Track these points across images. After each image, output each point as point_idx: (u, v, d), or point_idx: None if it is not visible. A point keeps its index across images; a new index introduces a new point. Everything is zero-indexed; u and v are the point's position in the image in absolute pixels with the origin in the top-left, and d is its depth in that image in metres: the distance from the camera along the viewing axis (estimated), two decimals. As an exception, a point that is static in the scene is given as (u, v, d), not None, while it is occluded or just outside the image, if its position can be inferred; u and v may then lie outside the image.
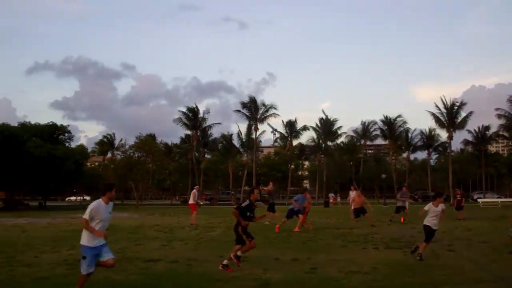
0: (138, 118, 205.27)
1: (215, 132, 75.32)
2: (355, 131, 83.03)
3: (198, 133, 70.80)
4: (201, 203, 25.05)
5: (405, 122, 74.28)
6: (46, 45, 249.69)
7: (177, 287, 8.32)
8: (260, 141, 74.04)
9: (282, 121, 74.73)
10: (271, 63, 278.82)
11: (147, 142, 61.94)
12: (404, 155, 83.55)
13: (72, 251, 13.27)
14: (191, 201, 25.21)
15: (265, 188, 28.58)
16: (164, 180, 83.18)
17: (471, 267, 10.24)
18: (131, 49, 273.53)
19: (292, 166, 79.68)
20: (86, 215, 7.52)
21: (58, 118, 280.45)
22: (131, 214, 35.98)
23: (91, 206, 7.59)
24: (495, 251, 12.55)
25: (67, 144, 58.78)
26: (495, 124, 73.48)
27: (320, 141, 75.40)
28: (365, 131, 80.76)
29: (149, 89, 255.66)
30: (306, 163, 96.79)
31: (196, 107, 71.82)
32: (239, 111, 69.40)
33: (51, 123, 57.54)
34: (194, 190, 26.10)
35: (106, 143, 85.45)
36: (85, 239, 7.62)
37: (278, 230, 18.61)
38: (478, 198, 63.98)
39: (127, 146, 62.39)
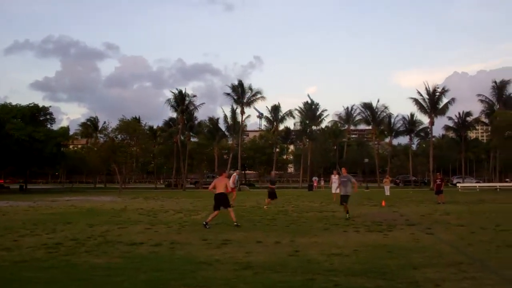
0: (122, 100, 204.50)
1: (201, 116, 75.26)
2: (339, 116, 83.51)
3: (185, 116, 70.38)
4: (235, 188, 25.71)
5: (387, 108, 74.96)
6: (26, 23, 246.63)
7: (160, 270, 8.38)
8: (246, 125, 73.84)
9: (266, 107, 74.64)
10: (258, 46, 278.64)
11: (131, 125, 61.50)
12: (387, 140, 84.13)
13: (52, 234, 13.30)
14: (231, 185, 25.76)
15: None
16: (148, 163, 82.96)
17: (448, 250, 10.42)
18: (115, 29, 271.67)
19: (277, 150, 79.95)
20: None
21: (38, 99, 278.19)
22: (114, 198, 35.98)
23: None
24: (472, 235, 12.79)
25: (48, 126, 58.26)
26: (475, 110, 74.45)
27: (305, 125, 75.68)
28: (348, 116, 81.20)
29: (133, 70, 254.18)
30: (291, 147, 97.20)
31: (184, 90, 71.32)
32: (228, 94, 69.16)
33: (32, 104, 56.90)
34: (234, 174, 26.73)
35: (90, 126, 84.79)
36: None
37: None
38: (457, 182, 64.91)
39: (110, 129, 61.63)
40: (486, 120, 73.55)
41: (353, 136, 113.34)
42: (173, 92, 70.87)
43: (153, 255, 9.96)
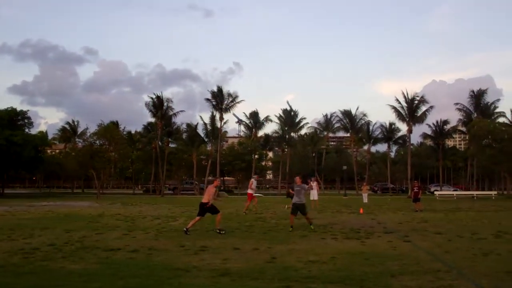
0: (101, 105, 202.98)
1: (180, 121, 75.08)
2: (318, 123, 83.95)
3: (163, 122, 70.07)
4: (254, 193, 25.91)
5: (365, 115, 75.71)
6: (3, 26, 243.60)
7: (137, 276, 8.32)
8: (226, 131, 73.94)
9: (244, 113, 75.03)
10: (237, 53, 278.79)
11: (109, 130, 60.98)
12: (365, 147, 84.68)
13: (29, 239, 13.14)
14: (249, 191, 25.89)
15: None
16: (126, 169, 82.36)
17: (426, 257, 10.51)
18: (94, 33, 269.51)
19: (256, 156, 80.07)
20: None
21: (16, 103, 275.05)
22: (92, 203, 35.65)
23: None
24: (449, 242, 12.91)
25: (26, 130, 57.50)
26: (453, 118, 75.29)
27: (284, 132, 75.93)
28: (327, 123, 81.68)
29: (113, 75, 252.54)
30: (270, 153, 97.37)
31: (161, 95, 70.98)
32: (208, 100, 69.18)
33: (10, 108, 56.14)
34: (253, 180, 26.68)
35: (69, 130, 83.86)
36: None
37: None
38: (435, 190, 65.57)
39: (88, 134, 61.06)
40: (464, 129, 74.34)
41: (332, 143, 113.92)
42: (151, 97, 70.58)
43: (130, 261, 9.90)
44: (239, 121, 75.77)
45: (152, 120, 73.90)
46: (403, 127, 72.68)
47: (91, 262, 9.67)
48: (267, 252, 11.11)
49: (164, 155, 69.44)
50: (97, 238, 13.68)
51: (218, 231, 14.74)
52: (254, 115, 73.77)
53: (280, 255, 10.65)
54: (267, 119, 74.16)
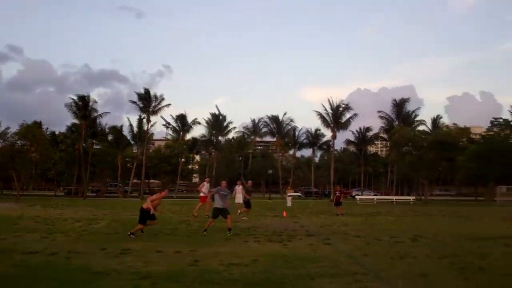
0: (24, 104, 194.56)
1: (106, 123, 73.36)
2: (246, 127, 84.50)
3: (87, 123, 68.24)
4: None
5: (292, 121, 76.98)
6: None
7: (55, 279, 8.10)
8: (153, 133, 73.12)
9: (171, 115, 74.57)
10: (167, 55, 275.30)
11: (31, 130, 58.82)
12: (291, 152, 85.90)
13: None
14: (202, 193, 25.38)
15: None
16: (48, 170, 79.65)
17: (345, 260, 10.78)
18: (19, 31, 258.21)
19: (183, 160, 79.59)
20: None
21: None
22: (11, 205, 34.34)
23: None
24: (368, 245, 13.31)
25: None
26: (376, 126, 77.68)
27: (212, 136, 75.96)
28: (255, 127, 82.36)
29: (37, 74, 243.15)
30: (197, 157, 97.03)
31: (88, 96, 69.07)
32: (134, 102, 68.15)
33: None
34: (204, 182, 26.32)
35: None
36: None
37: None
38: (356, 195, 67.42)
39: (9, 134, 58.56)
40: (385, 136, 76.70)
41: (259, 147, 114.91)
42: (72, 98, 68.40)
43: (48, 264, 9.63)
44: (167, 124, 75.08)
45: (76, 121, 71.84)
46: (328, 133, 74.30)
47: (8, 265, 9.37)
48: (189, 255, 11.07)
49: (87, 157, 67.73)
50: (15, 240, 13.25)
51: (131, 233, 14.49)
52: (181, 118, 73.30)
53: (203, 258, 10.64)
54: (195, 121, 73.99)
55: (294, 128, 78.33)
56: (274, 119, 77.37)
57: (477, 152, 63.05)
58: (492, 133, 69.74)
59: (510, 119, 69.57)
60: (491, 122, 71.99)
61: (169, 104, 69.32)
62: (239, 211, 23.92)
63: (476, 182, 76.86)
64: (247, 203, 24.38)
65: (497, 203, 48.38)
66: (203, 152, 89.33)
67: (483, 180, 70.92)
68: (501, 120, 70.78)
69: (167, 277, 8.43)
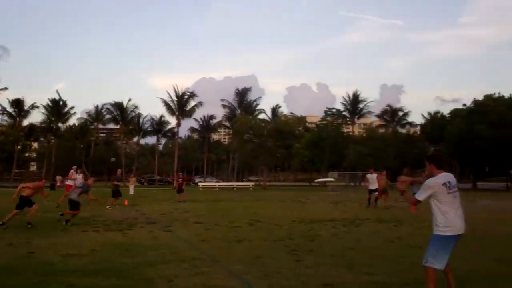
0: None
1: None
2: (88, 114, 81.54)
3: None
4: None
5: (137, 107, 75.80)
6: None
7: None
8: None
9: (7, 99, 69.77)
10: (5, 35, 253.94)
11: None
12: (135, 139, 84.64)
13: None
14: (68, 182, 24.25)
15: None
16: None
17: (184, 246, 10.99)
18: None
19: (19, 147, 74.83)
20: None
21: None
22: None
23: None
24: (207, 231, 13.66)
25: None
26: (220, 114, 79.24)
27: (51, 123, 72.39)
28: (98, 114, 79.83)
29: None
30: (35, 144, 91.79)
31: None
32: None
33: None
34: (72, 171, 25.14)
35: None
36: None
37: None
38: (199, 182, 68.37)
39: None
40: (228, 124, 78.55)
41: (102, 134, 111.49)
42: None
43: None
44: (2, 110, 70.07)
45: None
46: (172, 121, 74.42)
47: None
48: (24, 246, 10.60)
49: None
50: None
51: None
52: (18, 102, 68.87)
53: (39, 249, 10.26)
54: (33, 106, 69.92)
55: (139, 115, 77.30)
56: (118, 105, 75.49)
57: (311, 140, 67.13)
58: (325, 122, 74.69)
59: (342, 109, 75.07)
60: (325, 112, 77.12)
61: (6, 88, 65.09)
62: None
63: (311, 168, 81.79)
64: (115, 192, 24.45)
65: (329, 188, 51.82)
66: (42, 139, 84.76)
67: (317, 166, 75.80)
68: (334, 110, 76.11)
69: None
